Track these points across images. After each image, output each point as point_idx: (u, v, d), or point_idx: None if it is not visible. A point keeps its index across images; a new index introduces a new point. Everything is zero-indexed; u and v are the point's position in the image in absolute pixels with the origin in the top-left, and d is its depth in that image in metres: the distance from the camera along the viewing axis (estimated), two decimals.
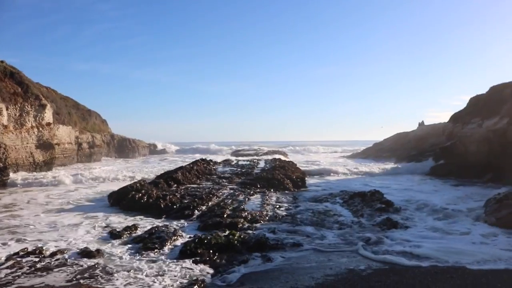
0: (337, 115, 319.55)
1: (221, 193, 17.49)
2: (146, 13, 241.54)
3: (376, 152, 52.03)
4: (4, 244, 9.86)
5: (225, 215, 12.61)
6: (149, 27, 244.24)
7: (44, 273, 7.56)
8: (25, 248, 9.11)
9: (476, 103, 28.34)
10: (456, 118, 29.91)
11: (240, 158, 41.52)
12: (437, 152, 30.71)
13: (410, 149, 41.75)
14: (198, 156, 41.94)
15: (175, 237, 10.29)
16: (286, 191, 19.36)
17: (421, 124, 49.15)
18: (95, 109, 53.19)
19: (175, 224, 12.21)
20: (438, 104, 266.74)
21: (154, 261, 8.43)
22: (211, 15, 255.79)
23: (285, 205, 15.45)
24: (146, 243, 9.55)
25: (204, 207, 14.40)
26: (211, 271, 7.86)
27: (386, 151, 49.06)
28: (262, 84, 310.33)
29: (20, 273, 7.56)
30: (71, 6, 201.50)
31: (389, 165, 34.86)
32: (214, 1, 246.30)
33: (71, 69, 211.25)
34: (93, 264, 8.17)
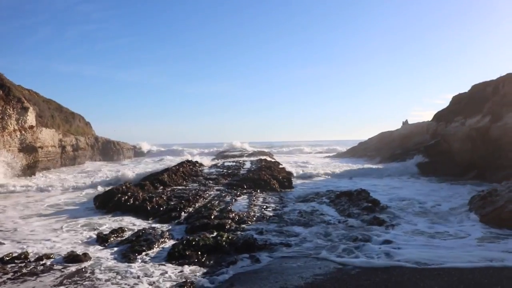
0: (321, 115, 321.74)
1: (207, 195, 17.43)
2: (130, 15, 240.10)
3: (361, 151, 52.48)
4: None
5: (212, 217, 12.54)
6: (133, 28, 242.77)
7: (32, 278, 7.45)
8: (10, 253, 8.94)
9: (458, 101, 28.73)
10: (439, 116, 30.29)
11: (225, 159, 41.35)
12: (421, 150, 31.08)
13: (394, 148, 42.15)
14: (185, 158, 41.63)
15: (163, 239, 10.23)
16: (273, 192, 19.34)
17: (405, 123, 49.67)
18: (79, 111, 52.59)
19: (162, 226, 12.14)
20: (421, 103, 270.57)
21: (142, 264, 8.37)
22: (196, 17, 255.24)
23: (272, 205, 15.46)
24: (133, 246, 9.47)
25: (191, 209, 14.34)
26: (200, 272, 7.83)
27: (371, 150, 49.46)
28: (246, 85, 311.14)
29: (5, 278, 7.43)
30: (53, 7, 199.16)
31: (374, 164, 35.15)
32: (199, 3, 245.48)
33: (54, 71, 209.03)
34: (80, 268, 8.08)
